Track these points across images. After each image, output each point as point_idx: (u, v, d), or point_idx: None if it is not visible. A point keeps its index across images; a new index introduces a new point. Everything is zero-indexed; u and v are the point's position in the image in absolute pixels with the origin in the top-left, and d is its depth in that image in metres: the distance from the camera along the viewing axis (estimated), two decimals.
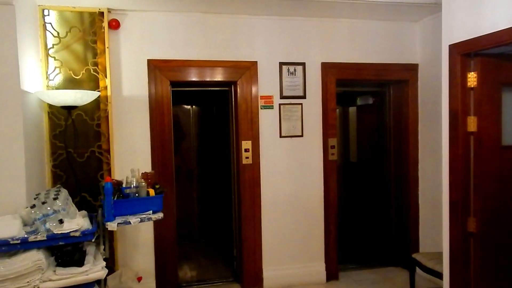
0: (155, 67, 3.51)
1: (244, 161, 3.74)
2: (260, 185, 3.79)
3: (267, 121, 3.79)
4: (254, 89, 3.74)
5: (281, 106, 3.81)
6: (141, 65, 3.49)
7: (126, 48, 3.45)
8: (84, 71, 3.32)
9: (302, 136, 3.87)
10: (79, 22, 3.31)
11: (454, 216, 2.74)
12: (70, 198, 2.63)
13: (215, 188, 5.38)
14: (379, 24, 3.98)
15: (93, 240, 2.40)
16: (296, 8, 3.54)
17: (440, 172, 3.73)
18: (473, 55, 2.61)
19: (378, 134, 4.67)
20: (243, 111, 3.73)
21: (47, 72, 3.24)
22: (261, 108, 3.77)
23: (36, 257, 2.12)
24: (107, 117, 3.35)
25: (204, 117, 5.59)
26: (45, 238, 2.16)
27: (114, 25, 3.38)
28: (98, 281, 2.35)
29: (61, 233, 2.19)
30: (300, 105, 3.85)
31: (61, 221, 2.23)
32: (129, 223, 2.51)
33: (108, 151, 3.36)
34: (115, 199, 2.59)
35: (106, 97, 3.34)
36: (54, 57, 3.26)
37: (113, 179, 2.79)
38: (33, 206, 2.24)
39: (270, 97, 3.79)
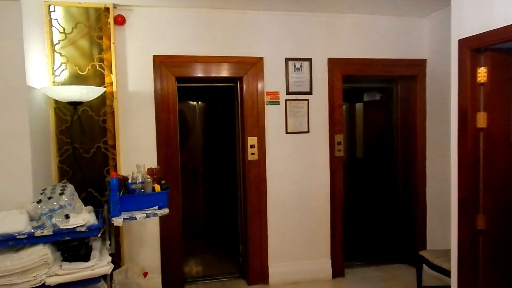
0: (161, 63, 3.50)
1: (250, 157, 3.73)
2: (266, 182, 3.77)
3: (273, 117, 3.77)
4: (260, 85, 3.72)
5: (287, 102, 3.78)
6: (146, 61, 3.48)
7: (131, 44, 3.45)
8: (89, 67, 3.31)
9: (308, 132, 3.84)
10: (85, 18, 3.31)
11: (462, 213, 2.70)
12: (76, 194, 2.63)
13: (221, 184, 5.38)
14: (386, 19, 3.94)
15: (99, 236, 2.40)
16: (302, 3, 3.51)
17: (448, 169, 3.68)
18: (483, 50, 2.56)
19: (385, 130, 4.64)
20: (249, 107, 3.71)
21: (53, 68, 3.24)
22: (267, 104, 3.75)
23: (43, 251, 2.13)
24: (113, 113, 3.35)
25: (209, 113, 5.57)
26: (51, 233, 2.17)
27: (120, 20, 3.37)
28: (104, 276, 2.36)
29: (67, 228, 2.20)
30: (306, 101, 3.83)
31: (67, 216, 2.23)
32: (135, 218, 2.50)
33: (114, 146, 3.37)
34: (121, 194, 2.59)
35: (112, 93, 3.34)
36: (60, 53, 3.26)
37: (119, 175, 2.79)
38: (39, 201, 2.24)
39: (276, 93, 3.77)
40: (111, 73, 3.34)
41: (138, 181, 2.67)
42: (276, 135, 3.78)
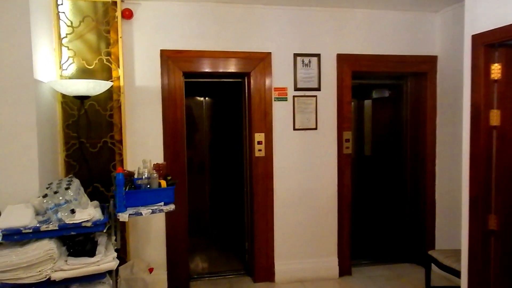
0: (168, 58, 3.47)
1: (257, 154, 3.70)
2: (272, 178, 3.74)
3: (280, 113, 3.72)
4: (267, 81, 3.68)
5: (295, 98, 3.74)
6: (154, 56, 3.46)
7: (139, 38, 3.42)
8: (97, 61, 3.30)
9: (316, 129, 3.80)
10: (93, 12, 3.29)
11: (474, 213, 2.64)
12: (82, 188, 2.62)
13: (227, 181, 5.35)
14: (397, 14, 3.87)
15: (104, 231, 2.38)
16: None
17: (459, 167, 3.62)
18: (498, 45, 2.50)
19: (394, 127, 4.58)
20: (256, 103, 3.67)
21: (60, 62, 3.22)
22: (274, 100, 3.71)
23: (48, 246, 2.11)
24: (119, 108, 3.33)
25: (217, 109, 5.54)
26: (56, 228, 2.15)
27: (127, 14, 3.35)
28: (109, 272, 2.35)
29: (73, 223, 2.18)
30: (315, 98, 3.78)
31: (72, 211, 2.21)
32: (141, 214, 2.48)
33: (120, 141, 3.35)
34: (127, 190, 2.57)
35: (119, 87, 3.32)
36: (68, 47, 3.25)
37: (125, 170, 2.78)
38: (45, 196, 2.23)
39: (284, 89, 3.73)
40: (118, 67, 3.32)
41: (144, 177, 2.65)
42: (283, 132, 3.74)
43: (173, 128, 3.51)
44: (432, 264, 3.32)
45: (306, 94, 3.76)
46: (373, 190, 5.11)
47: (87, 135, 3.29)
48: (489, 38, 2.46)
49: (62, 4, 3.21)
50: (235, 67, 3.62)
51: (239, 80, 3.91)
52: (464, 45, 2.64)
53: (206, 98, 5.51)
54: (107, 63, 3.31)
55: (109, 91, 3.26)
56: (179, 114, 3.53)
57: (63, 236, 2.24)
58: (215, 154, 5.54)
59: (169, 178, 2.77)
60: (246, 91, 3.80)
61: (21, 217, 2.15)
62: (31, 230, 2.11)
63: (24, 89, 2.59)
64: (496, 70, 2.51)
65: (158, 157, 3.41)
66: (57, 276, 2.09)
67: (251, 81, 3.66)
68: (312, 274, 3.84)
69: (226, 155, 5.38)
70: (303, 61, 3.73)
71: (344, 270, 3.93)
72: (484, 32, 2.49)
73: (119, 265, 2.54)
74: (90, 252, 2.22)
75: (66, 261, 2.16)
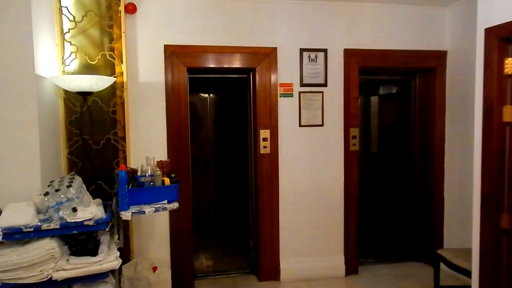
0: (172, 53, 3.41)
1: (262, 151, 3.64)
2: (278, 176, 3.68)
3: (286, 109, 3.66)
4: (273, 77, 3.61)
5: (301, 94, 3.67)
6: (157, 51, 3.40)
7: (142, 33, 3.37)
8: (100, 57, 3.24)
9: (322, 125, 3.73)
10: (96, 6, 3.23)
11: (485, 211, 2.57)
12: (84, 186, 2.57)
13: (232, 178, 5.30)
14: (406, 8, 3.78)
15: (107, 229, 2.33)
16: None
17: (468, 165, 3.56)
18: None
19: (401, 124, 4.51)
20: (261, 99, 3.61)
21: (63, 57, 3.17)
22: (280, 96, 3.64)
23: (49, 245, 2.06)
24: (123, 104, 3.28)
25: (221, 106, 5.49)
26: (58, 227, 2.10)
27: (131, 9, 3.29)
28: (112, 271, 2.30)
29: (75, 221, 2.13)
30: (321, 94, 3.71)
31: (74, 210, 2.16)
32: (144, 212, 2.43)
33: (124, 138, 3.30)
34: (129, 187, 2.52)
35: (122, 83, 3.27)
36: (70, 42, 3.19)
37: (127, 167, 2.73)
38: (46, 194, 2.18)
39: (289, 84, 3.66)
40: (122, 63, 3.26)
41: (147, 174, 2.59)
42: (289, 128, 3.68)
43: (177, 124, 3.46)
44: (441, 263, 3.26)
45: (313, 90, 3.69)
46: (379, 188, 5.04)
47: (90, 131, 3.24)
48: (504, 32, 2.38)
49: None
50: (240, 63, 3.56)
51: (244, 76, 3.85)
52: (477, 39, 2.56)
53: (211, 95, 5.45)
54: (110, 59, 3.26)
55: (112, 87, 3.21)
56: (183, 110, 3.47)
57: (65, 235, 2.19)
58: (220, 151, 5.48)
59: (173, 175, 2.72)
60: (251, 87, 3.74)
61: (22, 215, 2.10)
62: (32, 229, 2.06)
63: (25, 85, 2.53)
64: (510, 64, 2.43)
65: (162, 154, 3.36)
66: (59, 275, 2.04)
67: (256, 77, 3.60)
68: (318, 273, 3.79)
69: (231, 152, 5.32)
70: (309, 56, 3.65)
71: (351, 268, 3.87)
72: (498, 25, 2.41)
73: (123, 263, 2.50)
74: (93, 251, 2.17)
75: (68, 260, 2.11)
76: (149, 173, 2.60)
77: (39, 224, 2.10)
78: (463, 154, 3.71)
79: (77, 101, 3.18)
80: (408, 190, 4.39)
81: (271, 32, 3.58)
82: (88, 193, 2.54)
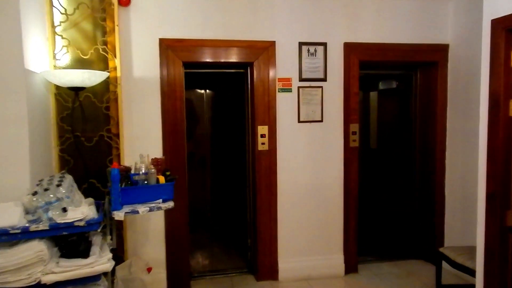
0: (167, 47, 3.31)
1: (260, 147, 3.55)
2: (276, 173, 3.59)
3: (285, 105, 3.57)
4: (271, 71, 3.52)
5: (300, 89, 3.58)
6: (152, 45, 3.30)
7: (136, 27, 3.26)
8: (92, 51, 3.14)
9: (322, 121, 3.65)
10: None
11: (491, 209, 2.50)
12: (75, 185, 2.47)
13: (229, 175, 5.21)
14: (408, 1, 3.69)
15: (99, 230, 2.24)
16: None
17: (470, 161, 3.49)
18: None
19: (401, 119, 4.44)
20: (259, 94, 3.52)
21: (54, 52, 3.07)
22: (278, 91, 3.55)
23: (38, 247, 1.97)
24: (116, 100, 3.18)
25: (218, 102, 5.40)
26: (47, 228, 2.01)
27: (125, 1, 3.19)
28: (105, 273, 2.21)
29: (65, 222, 2.04)
30: (320, 89, 3.62)
31: (64, 210, 2.07)
32: (137, 212, 2.34)
33: (117, 135, 3.20)
34: (123, 186, 2.43)
35: (116, 78, 3.16)
36: (61, 36, 3.09)
37: (121, 165, 2.64)
38: (35, 193, 2.09)
39: (288, 79, 3.57)
40: (115, 57, 3.16)
41: (141, 172, 2.51)
42: (288, 124, 3.59)
43: (172, 121, 3.36)
44: (443, 261, 3.19)
45: (312, 85, 3.60)
46: (379, 184, 4.97)
47: (82, 128, 3.15)
48: (511, 22, 2.30)
49: None
50: (237, 57, 3.46)
51: (242, 70, 3.75)
52: (483, 30, 2.48)
53: (207, 91, 5.36)
54: (103, 53, 3.16)
55: (105, 82, 3.11)
56: (178, 106, 3.37)
57: (55, 236, 2.10)
58: (217, 148, 5.40)
59: (168, 173, 2.63)
60: (249, 82, 3.65)
61: (9, 216, 2.01)
62: (19, 231, 1.96)
63: (14, 80, 2.43)
64: None
65: (157, 151, 3.26)
66: (48, 279, 1.96)
67: (254, 71, 3.50)
68: (317, 272, 3.71)
69: (228, 149, 5.24)
70: (308, 50, 3.56)
71: (350, 267, 3.80)
72: (505, 16, 2.32)
73: (116, 264, 2.41)
74: (84, 253, 2.09)
75: (58, 263, 2.02)
76: (143, 171, 2.51)
77: (27, 225, 2.01)
78: (465, 150, 3.63)
79: (69, 97, 3.08)
80: (408, 187, 4.32)
81: (269, 25, 3.49)
82: (79, 192, 2.45)
